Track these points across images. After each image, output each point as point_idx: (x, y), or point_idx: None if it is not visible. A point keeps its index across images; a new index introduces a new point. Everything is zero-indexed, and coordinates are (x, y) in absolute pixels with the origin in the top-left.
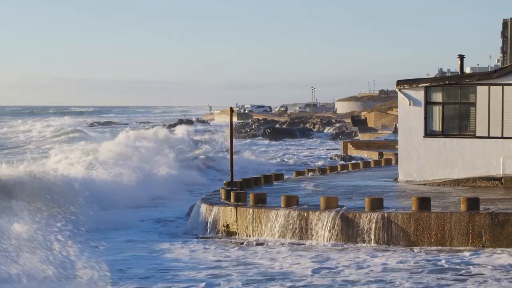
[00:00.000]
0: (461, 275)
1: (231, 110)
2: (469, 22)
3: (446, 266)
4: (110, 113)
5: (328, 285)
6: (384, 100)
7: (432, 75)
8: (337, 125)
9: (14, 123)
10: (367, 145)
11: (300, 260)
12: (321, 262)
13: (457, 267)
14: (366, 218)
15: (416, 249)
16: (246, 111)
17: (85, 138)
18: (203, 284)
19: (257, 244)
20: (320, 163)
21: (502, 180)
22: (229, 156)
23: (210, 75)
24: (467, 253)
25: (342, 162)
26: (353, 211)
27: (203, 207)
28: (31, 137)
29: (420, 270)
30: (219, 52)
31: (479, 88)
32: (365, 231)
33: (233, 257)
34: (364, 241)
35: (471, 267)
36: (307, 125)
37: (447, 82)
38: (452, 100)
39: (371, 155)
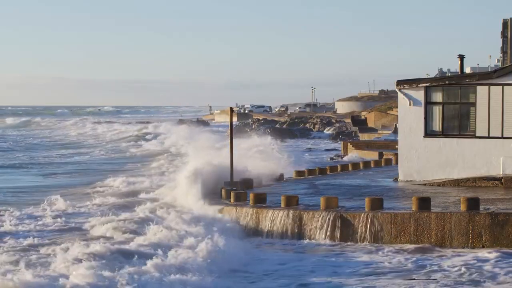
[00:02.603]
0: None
1: (231, 110)
2: (469, 22)
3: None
4: (120, 114)
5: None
6: (384, 100)
7: (432, 75)
8: (337, 125)
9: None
10: (367, 145)
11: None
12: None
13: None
14: (363, 218)
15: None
16: (246, 111)
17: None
18: None
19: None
20: (319, 162)
21: (502, 180)
22: None
23: (210, 75)
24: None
25: (342, 162)
26: (350, 212)
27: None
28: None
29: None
30: (219, 52)
31: (479, 88)
32: (361, 231)
33: None
34: (360, 241)
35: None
36: (307, 125)
37: (447, 82)
38: (452, 100)
39: (371, 155)
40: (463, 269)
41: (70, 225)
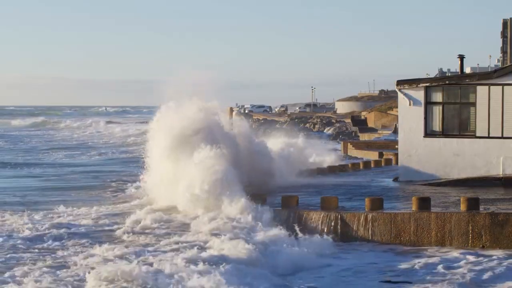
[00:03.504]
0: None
1: (231, 110)
2: (469, 22)
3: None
4: (126, 113)
5: None
6: (384, 100)
7: (432, 75)
8: (337, 125)
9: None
10: (367, 145)
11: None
12: None
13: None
14: (362, 218)
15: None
16: (246, 111)
17: None
18: None
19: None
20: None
21: (502, 180)
22: None
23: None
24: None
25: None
26: (349, 212)
27: None
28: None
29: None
30: (219, 52)
31: (479, 88)
32: (360, 232)
33: None
34: (359, 241)
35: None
36: (307, 125)
37: (447, 82)
38: (452, 100)
39: (371, 155)
40: (441, 269)
41: (98, 228)
